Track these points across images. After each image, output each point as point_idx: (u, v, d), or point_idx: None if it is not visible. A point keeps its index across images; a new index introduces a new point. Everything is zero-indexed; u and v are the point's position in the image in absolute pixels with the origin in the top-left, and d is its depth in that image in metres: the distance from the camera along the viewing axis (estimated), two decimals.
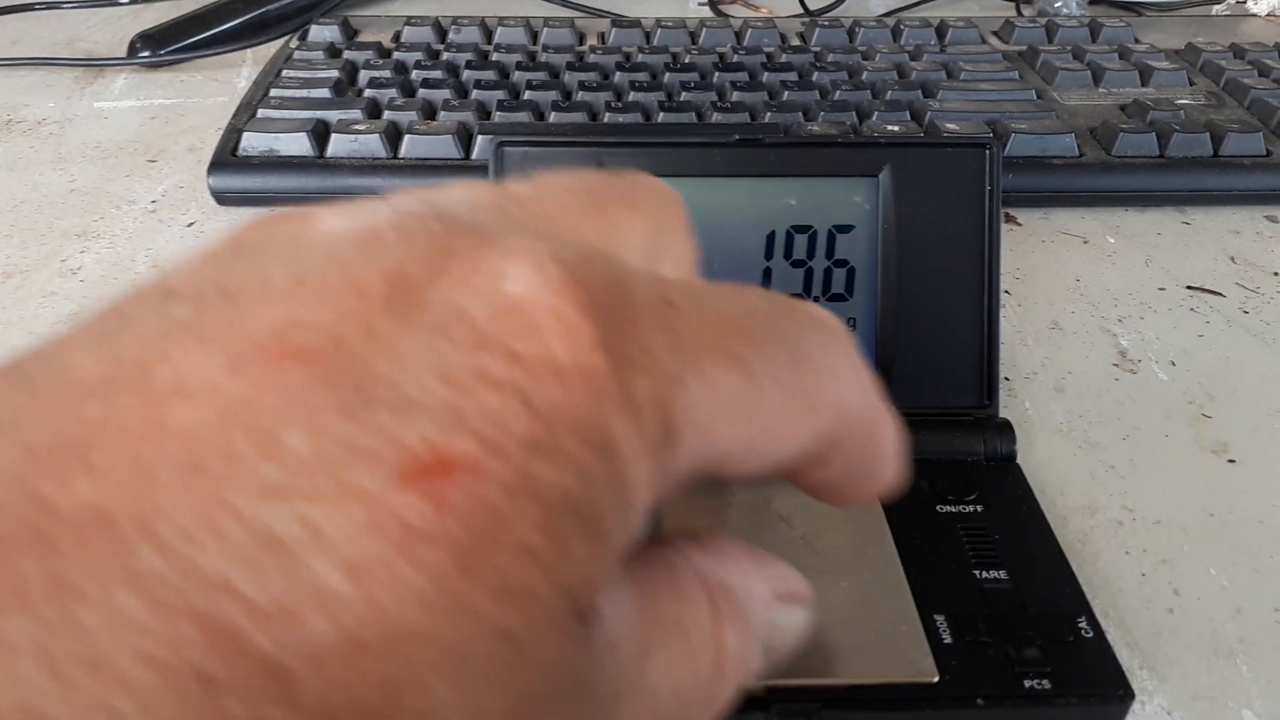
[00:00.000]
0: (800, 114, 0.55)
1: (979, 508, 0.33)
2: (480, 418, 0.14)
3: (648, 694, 0.17)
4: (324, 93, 0.57)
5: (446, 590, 0.13)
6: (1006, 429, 0.35)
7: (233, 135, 0.53)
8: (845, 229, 0.36)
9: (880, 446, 0.21)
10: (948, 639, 0.28)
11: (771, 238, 0.36)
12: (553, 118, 0.55)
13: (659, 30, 0.67)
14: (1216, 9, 0.78)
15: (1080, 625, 0.29)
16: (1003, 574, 0.30)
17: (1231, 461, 0.37)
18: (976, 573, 0.30)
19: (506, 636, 0.14)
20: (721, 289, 0.19)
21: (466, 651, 0.13)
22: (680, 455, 0.17)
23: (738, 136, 0.36)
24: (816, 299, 0.36)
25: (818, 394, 0.19)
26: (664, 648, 0.18)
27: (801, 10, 0.80)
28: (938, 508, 0.33)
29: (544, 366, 0.15)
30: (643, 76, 0.59)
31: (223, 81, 0.67)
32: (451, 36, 0.67)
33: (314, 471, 0.13)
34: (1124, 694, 0.27)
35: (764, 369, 0.18)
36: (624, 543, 0.16)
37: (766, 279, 0.36)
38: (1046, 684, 0.27)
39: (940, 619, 0.29)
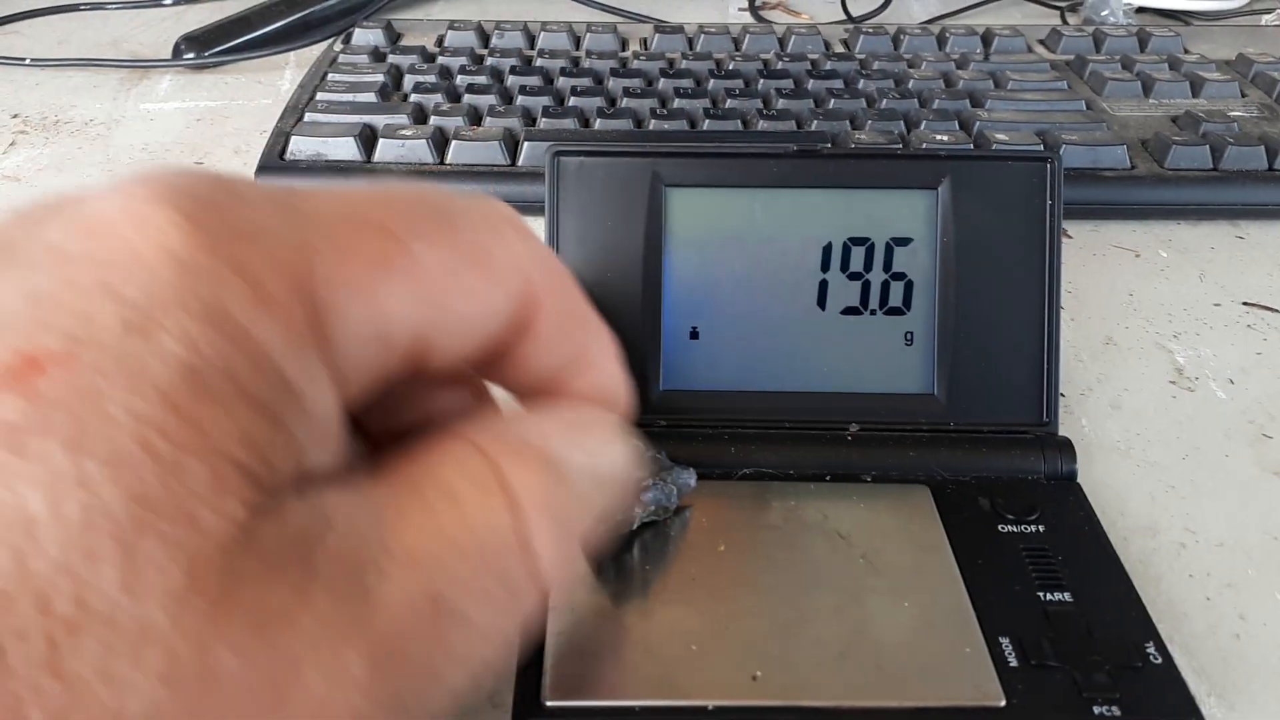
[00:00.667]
0: (847, 122, 0.54)
1: (1040, 528, 0.32)
2: (67, 317, 0.15)
3: (417, 562, 0.17)
4: (370, 97, 0.57)
5: (59, 470, 0.14)
6: (1067, 447, 0.35)
7: (280, 138, 0.53)
8: (904, 242, 0.35)
9: (583, 321, 0.22)
10: (1013, 662, 0.28)
11: (829, 249, 0.35)
12: (598, 124, 0.54)
13: (702, 36, 0.67)
14: (1266, 19, 0.77)
15: (1148, 650, 0.28)
16: (1067, 596, 0.30)
17: None
18: (1040, 594, 0.30)
19: (148, 501, 0.14)
20: (363, 188, 0.20)
21: (105, 524, 0.14)
22: (344, 319, 0.17)
23: (795, 148, 0.36)
24: (874, 312, 0.35)
25: (489, 256, 0.19)
26: (426, 513, 0.18)
27: (844, 16, 0.80)
28: (999, 527, 0.32)
29: (128, 260, 0.16)
30: (687, 83, 0.59)
31: (266, 84, 0.67)
32: (495, 41, 0.66)
33: None
34: None
35: (410, 231, 0.18)
36: (293, 405, 0.17)
37: (823, 291, 0.36)
38: (1116, 710, 0.26)
39: (1005, 641, 0.28)
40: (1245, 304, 0.46)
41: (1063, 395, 0.40)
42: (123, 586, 0.14)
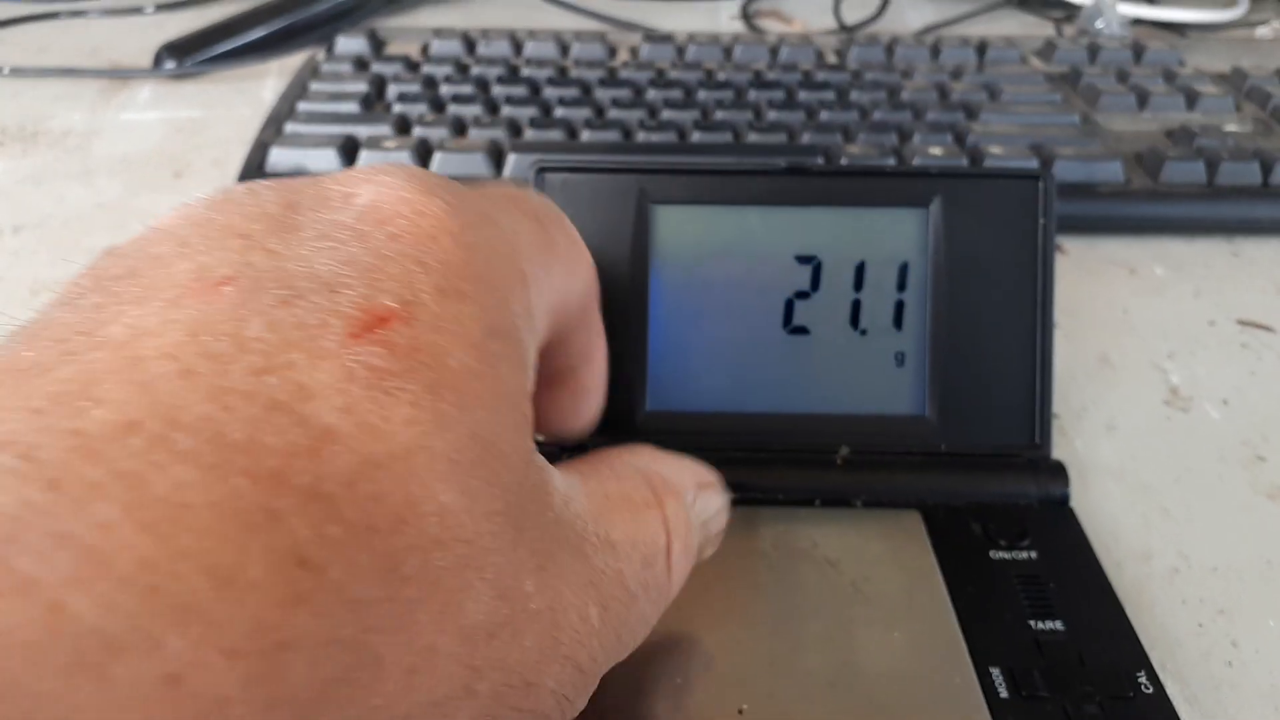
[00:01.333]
0: (840, 134, 0.53)
1: (1032, 554, 0.32)
2: (391, 280, 0.18)
3: (613, 546, 0.21)
4: (352, 107, 0.56)
5: (424, 408, 0.16)
6: (1060, 471, 0.34)
7: (260, 151, 0.52)
8: (894, 260, 0.35)
9: (599, 314, 0.27)
10: (1004, 693, 0.27)
11: (818, 268, 0.35)
12: (585, 136, 0.53)
13: (691, 45, 0.66)
14: (1260, 30, 0.77)
15: (1140, 680, 0.27)
16: (1059, 624, 0.29)
17: None
18: (1032, 623, 0.29)
19: (480, 438, 0.17)
20: (489, 187, 0.24)
21: (456, 456, 0.16)
22: (538, 287, 0.22)
23: (785, 164, 0.35)
24: (864, 332, 0.35)
25: (577, 241, 0.25)
26: (616, 514, 0.22)
27: (836, 25, 0.79)
28: (990, 553, 0.32)
29: (420, 235, 0.19)
30: (676, 94, 0.58)
31: (248, 93, 0.66)
32: (480, 49, 0.66)
33: (282, 348, 0.16)
34: None
35: (547, 220, 0.24)
36: (533, 359, 0.21)
37: (812, 310, 0.35)
38: None
39: (996, 672, 0.28)
40: (1240, 322, 0.45)
41: (1057, 416, 0.39)
42: (470, 511, 0.16)
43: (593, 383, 0.28)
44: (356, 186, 0.20)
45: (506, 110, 0.56)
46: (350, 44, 0.66)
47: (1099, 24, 0.74)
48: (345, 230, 0.19)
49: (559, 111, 0.56)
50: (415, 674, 0.15)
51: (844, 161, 0.51)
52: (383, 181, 0.20)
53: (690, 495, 0.25)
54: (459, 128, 0.54)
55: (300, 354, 0.16)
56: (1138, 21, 0.77)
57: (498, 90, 0.59)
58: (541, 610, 0.18)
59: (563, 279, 0.23)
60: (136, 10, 0.80)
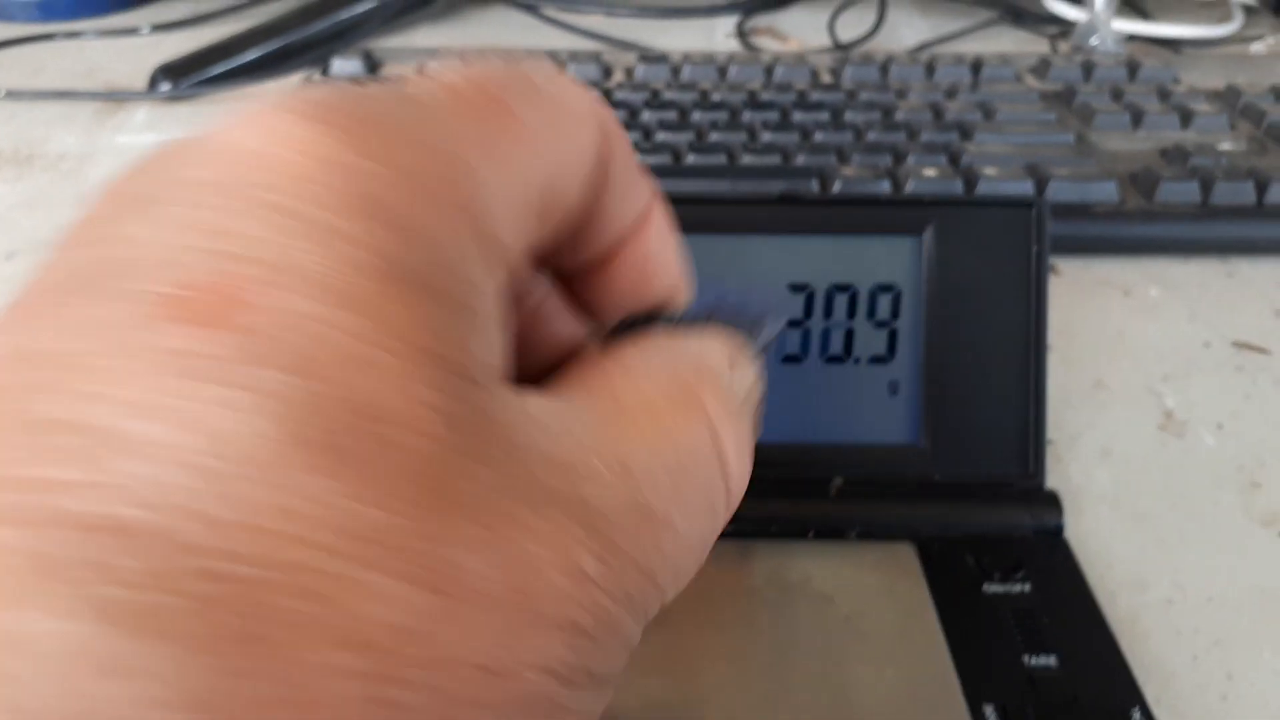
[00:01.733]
0: (834, 156, 0.53)
1: (1026, 586, 0.32)
2: (240, 241, 0.15)
3: (628, 470, 0.18)
4: None
5: (286, 397, 0.14)
6: (1054, 502, 0.34)
7: None
8: (887, 288, 0.35)
9: (640, 169, 0.22)
10: None
11: (811, 297, 0.35)
12: None
13: (686, 65, 0.66)
14: (1255, 46, 0.77)
15: (1134, 716, 0.27)
16: (1052, 660, 0.29)
17: None
18: (1025, 658, 0.29)
19: (361, 411, 0.14)
20: (449, 67, 0.20)
21: (339, 443, 0.14)
22: (487, 191, 0.18)
23: (778, 194, 0.35)
24: (857, 361, 0.35)
25: (568, 104, 0.20)
26: (633, 427, 0.18)
27: (831, 42, 0.79)
28: (984, 587, 0.31)
29: (278, 174, 0.16)
30: (671, 115, 0.58)
31: None
32: None
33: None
34: None
35: (513, 98, 0.19)
36: (494, 287, 0.17)
37: (805, 339, 0.35)
38: None
39: (989, 709, 0.28)
40: (1235, 345, 0.45)
41: (1051, 441, 0.39)
42: (352, 495, 0.14)
43: (652, 247, 0.23)
44: (221, 128, 0.17)
45: None
46: (345, 65, 0.66)
47: (1093, 40, 0.74)
48: (199, 188, 0.16)
49: None
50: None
51: (838, 185, 0.51)
52: (245, 113, 0.17)
53: (727, 375, 0.21)
54: None
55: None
56: (1132, 38, 0.76)
57: None
58: (496, 581, 0.15)
59: (536, 159, 0.19)
60: (132, 31, 0.80)
